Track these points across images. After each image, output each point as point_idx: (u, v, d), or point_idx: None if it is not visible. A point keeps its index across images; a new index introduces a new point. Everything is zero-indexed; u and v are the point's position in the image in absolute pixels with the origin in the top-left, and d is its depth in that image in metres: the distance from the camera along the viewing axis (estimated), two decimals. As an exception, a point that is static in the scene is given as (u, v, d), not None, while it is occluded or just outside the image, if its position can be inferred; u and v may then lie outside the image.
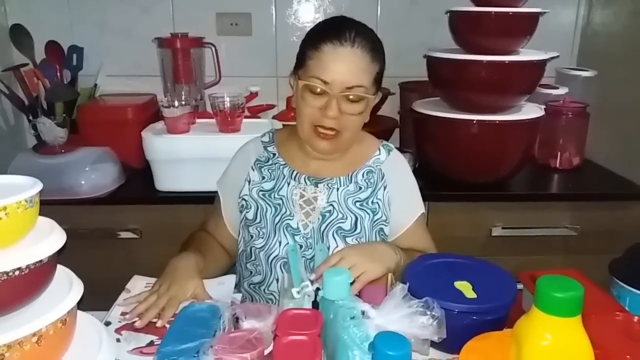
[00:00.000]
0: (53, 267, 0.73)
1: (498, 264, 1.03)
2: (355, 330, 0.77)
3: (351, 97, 1.09)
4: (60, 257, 0.74)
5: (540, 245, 1.72)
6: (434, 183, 1.68)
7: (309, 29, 1.16)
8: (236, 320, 0.89)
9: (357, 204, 1.19)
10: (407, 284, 0.86)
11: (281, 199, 1.21)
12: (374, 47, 1.11)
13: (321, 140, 1.13)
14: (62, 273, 0.77)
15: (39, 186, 0.70)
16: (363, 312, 0.82)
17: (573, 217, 1.72)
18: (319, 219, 1.19)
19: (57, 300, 0.69)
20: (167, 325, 0.92)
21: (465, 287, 0.94)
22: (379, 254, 1.06)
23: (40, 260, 0.68)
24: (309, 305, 0.92)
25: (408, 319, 0.80)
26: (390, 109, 2.04)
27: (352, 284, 0.94)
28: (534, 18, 1.61)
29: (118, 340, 0.90)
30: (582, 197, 1.75)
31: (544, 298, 0.66)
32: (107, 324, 0.95)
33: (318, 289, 0.92)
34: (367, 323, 0.80)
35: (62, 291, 0.72)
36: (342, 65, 1.08)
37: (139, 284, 1.09)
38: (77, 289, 0.73)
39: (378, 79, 1.14)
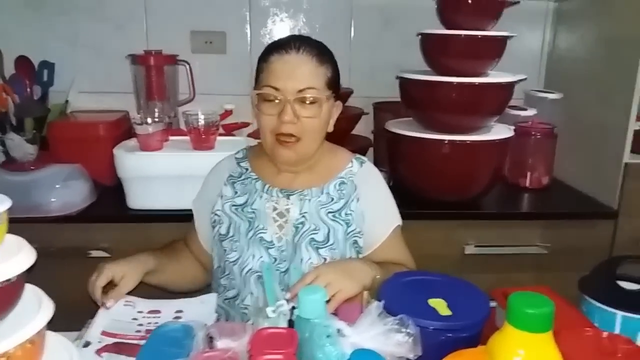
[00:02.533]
0: (21, 286, 0.71)
1: (471, 281, 1.04)
2: (331, 349, 0.77)
3: (304, 99, 1.11)
4: (29, 276, 0.72)
5: (513, 263, 1.74)
6: (407, 202, 1.68)
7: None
8: (210, 339, 0.88)
9: (330, 215, 1.20)
10: (382, 302, 0.86)
11: (254, 212, 1.21)
12: (320, 52, 1.15)
13: (283, 148, 1.14)
14: (32, 292, 0.75)
15: (7, 203, 0.69)
16: (339, 330, 0.82)
17: (544, 236, 1.76)
18: (292, 231, 1.19)
19: (25, 320, 0.68)
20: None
21: (439, 305, 0.94)
22: (354, 271, 1.06)
23: (9, 279, 0.66)
24: (284, 324, 0.91)
25: (384, 336, 0.80)
26: (364, 128, 2.06)
27: (327, 302, 0.94)
28: (502, 41, 1.66)
29: None
30: (552, 215, 1.79)
31: (516, 314, 0.67)
32: (87, 344, 0.93)
33: (293, 307, 0.91)
34: (343, 341, 0.80)
35: (31, 311, 0.70)
36: (290, 70, 1.11)
37: (119, 302, 1.08)
38: (47, 308, 0.71)
39: (332, 85, 1.16)
